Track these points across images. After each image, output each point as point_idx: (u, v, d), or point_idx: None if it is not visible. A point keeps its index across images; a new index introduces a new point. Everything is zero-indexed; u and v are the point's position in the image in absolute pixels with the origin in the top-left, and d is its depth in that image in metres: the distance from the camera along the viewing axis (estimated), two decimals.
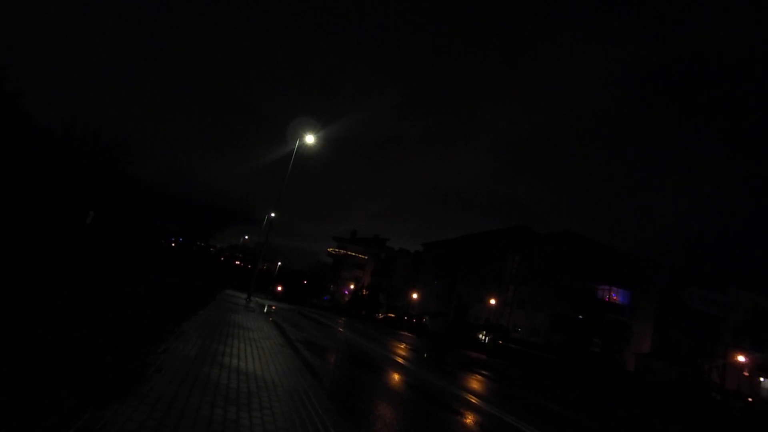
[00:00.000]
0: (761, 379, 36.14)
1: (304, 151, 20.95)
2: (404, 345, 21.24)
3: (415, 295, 60.77)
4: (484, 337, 42.06)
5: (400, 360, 13.49)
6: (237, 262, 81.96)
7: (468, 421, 6.90)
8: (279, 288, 71.81)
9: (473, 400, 8.92)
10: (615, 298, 41.62)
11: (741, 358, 35.72)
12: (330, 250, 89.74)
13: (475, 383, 12.50)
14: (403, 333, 36.29)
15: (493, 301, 46.27)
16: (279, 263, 79.68)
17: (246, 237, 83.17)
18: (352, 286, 76.75)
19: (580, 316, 39.15)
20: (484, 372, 17.03)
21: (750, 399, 30.41)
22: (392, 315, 51.95)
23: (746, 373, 36.34)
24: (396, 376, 9.86)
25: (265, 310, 21.92)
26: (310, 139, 19.97)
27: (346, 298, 72.52)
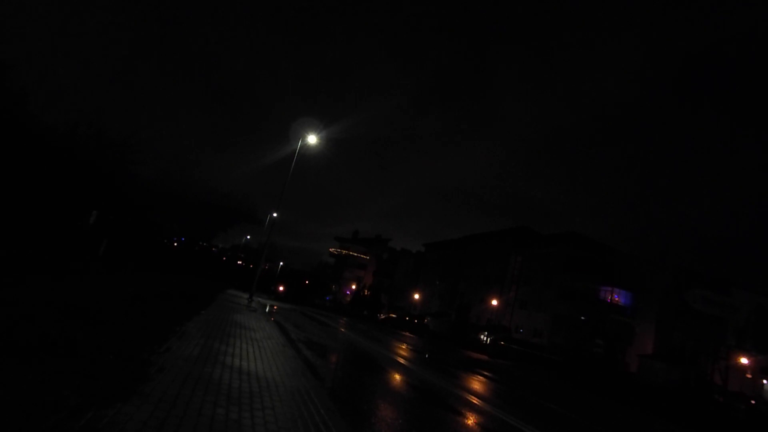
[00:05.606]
0: (764, 381, 35.93)
1: (308, 151, 21.03)
2: (406, 345, 21.23)
3: (417, 296, 60.76)
4: (485, 338, 41.98)
5: (401, 360, 13.48)
6: (239, 262, 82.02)
7: (469, 421, 6.89)
8: (281, 288, 71.93)
9: (475, 401, 8.90)
10: (617, 299, 41.47)
11: (744, 360, 35.53)
12: (332, 250, 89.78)
13: (476, 384, 12.48)
14: (404, 333, 36.28)
15: (495, 302, 46.21)
16: (281, 263, 79.85)
17: (248, 237, 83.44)
18: (354, 287, 76.80)
19: (583, 317, 39.04)
20: (485, 372, 17.00)
21: (753, 401, 30.22)
22: (394, 315, 51.93)
23: (749, 375, 36.13)
24: (398, 377, 9.85)
25: (267, 310, 21.95)
26: (312, 139, 20.04)
27: (348, 299, 72.56)
